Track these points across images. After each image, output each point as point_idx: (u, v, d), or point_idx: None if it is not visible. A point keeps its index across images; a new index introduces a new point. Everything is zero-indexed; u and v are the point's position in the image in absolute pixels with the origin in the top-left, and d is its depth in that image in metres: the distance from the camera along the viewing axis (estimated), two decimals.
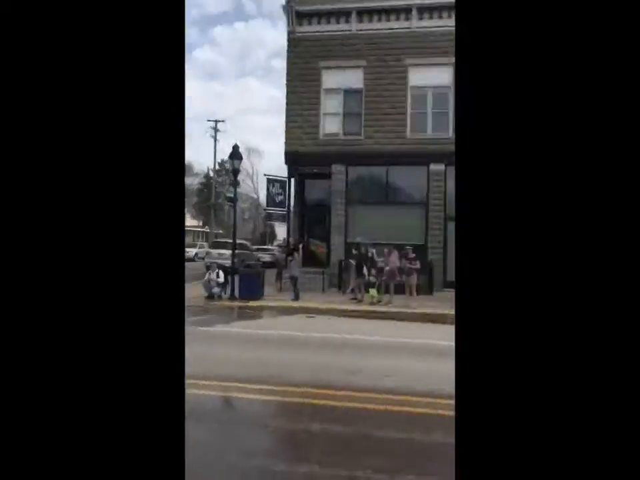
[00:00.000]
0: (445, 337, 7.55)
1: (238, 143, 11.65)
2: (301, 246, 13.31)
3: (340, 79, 13.51)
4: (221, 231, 40.35)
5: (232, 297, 10.72)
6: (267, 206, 15.60)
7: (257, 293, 10.78)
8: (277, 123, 75.04)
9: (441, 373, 5.04)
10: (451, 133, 12.60)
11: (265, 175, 15.66)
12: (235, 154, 11.32)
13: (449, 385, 4.74)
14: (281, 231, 31.16)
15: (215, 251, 17.69)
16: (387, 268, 10.53)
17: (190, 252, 26.90)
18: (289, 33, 13.62)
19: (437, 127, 13.02)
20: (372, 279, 10.97)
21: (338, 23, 13.46)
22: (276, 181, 14.79)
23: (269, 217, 17.43)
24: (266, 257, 21.30)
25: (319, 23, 13.58)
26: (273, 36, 73.91)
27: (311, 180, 14.15)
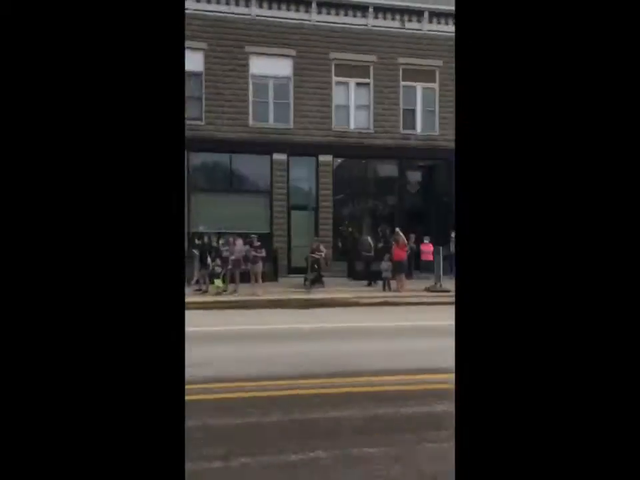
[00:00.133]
0: (288, 320, 7.88)
1: None
2: None
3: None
4: None
5: None
6: None
7: None
8: None
9: (278, 354, 5.22)
10: (292, 124, 13.03)
11: None
12: None
13: (285, 366, 4.89)
14: None
15: None
16: (232, 257, 10.46)
17: None
18: None
19: (279, 117, 13.28)
20: (217, 268, 10.78)
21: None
22: None
23: None
24: None
25: None
26: None
27: None
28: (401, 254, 11.15)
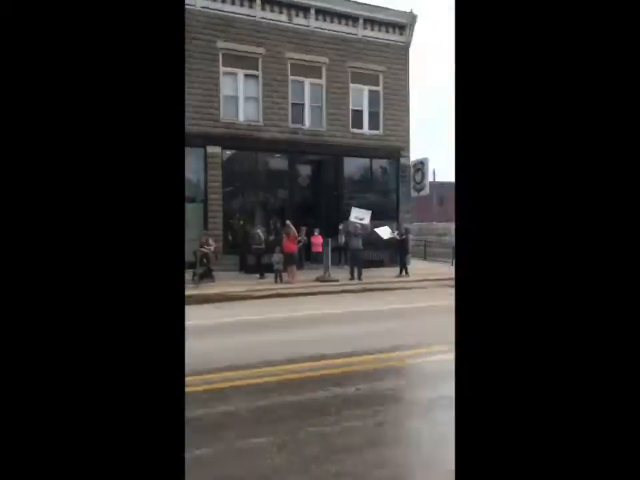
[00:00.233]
0: None
1: None
2: None
3: None
4: None
5: None
6: None
7: None
8: None
9: None
10: None
11: None
12: None
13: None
14: None
15: None
16: None
17: None
18: None
19: None
20: None
21: None
22: None
23: None
24: None
25: None
26: None
27: None
28: (292, 246, 11.35)
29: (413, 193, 16.29)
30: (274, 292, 10.14)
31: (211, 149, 13.10)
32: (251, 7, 13.43)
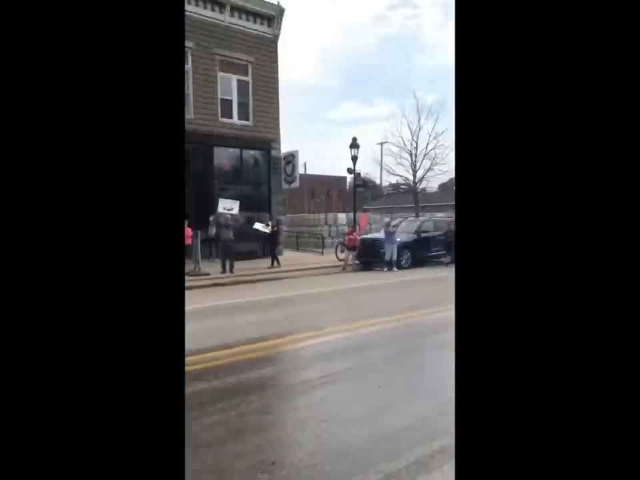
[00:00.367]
0: None
1: None
2: None
3: None
4: None
5: None
6: None
7: None
8: None
9: None
10: None
11: None
12: None
13: None
14: None
15: None
16: None
17: None
18: None
19: None
20: None
21: None
22: None
23: None
24: None
25: None
26: None
27: None
28: None
29: (284, 185, 16.54)
30: None
31: None
32: None
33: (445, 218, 16.05)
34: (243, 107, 14.96)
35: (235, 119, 14.77)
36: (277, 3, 15.27)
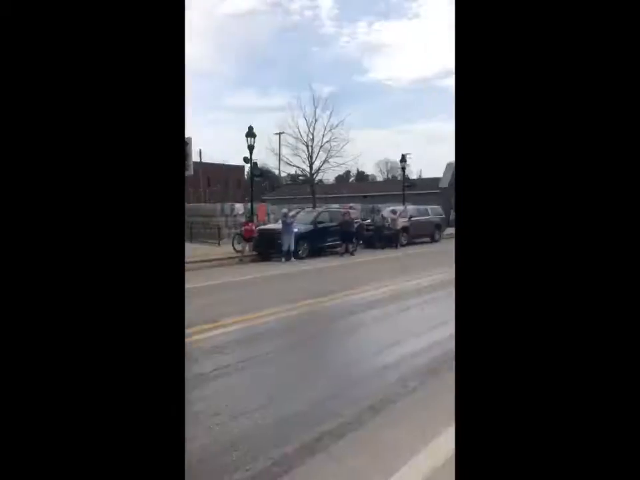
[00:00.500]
0: None
1: None
2: None
3: None
4: None
5: None
6: None
7: None
8: None
9: None
10: None
11: None
12: None
13: None
14: None
15: None
16: None
17: None
18: None
19: None
20: None
21: None
22: None
23: None
24: None
25: None
26: None
27: None
28: None
29: None
30: None
31: None
32: None
33: (340, 209, 16.66)
34: None
35: None
36: None
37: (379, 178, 60.03)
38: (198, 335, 5.13)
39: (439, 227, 19.36)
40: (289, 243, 12.87)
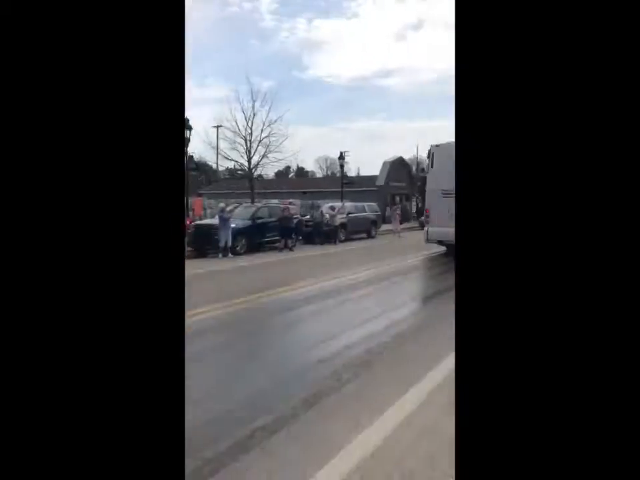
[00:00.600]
0: None
1: None
2: None
3: None
4: None
5: None
6: None
7: None
8: None
9: None
10: None
11: None
12: None
13: None
14: None
15: None
16: None
17: None
18: None
19: None
20: None
21: None
22: None
23: None
24: None
25: None
26: None
27: None
28: None
29: None
30: None
31: None
32: None
33: (279, 205, 16.60)
34: None
35: None
36: None
37: (319, 174, 60.50)
38: None
39: (375, 223, 19.84)
40: (226, 238, 12.65)
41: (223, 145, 26.94)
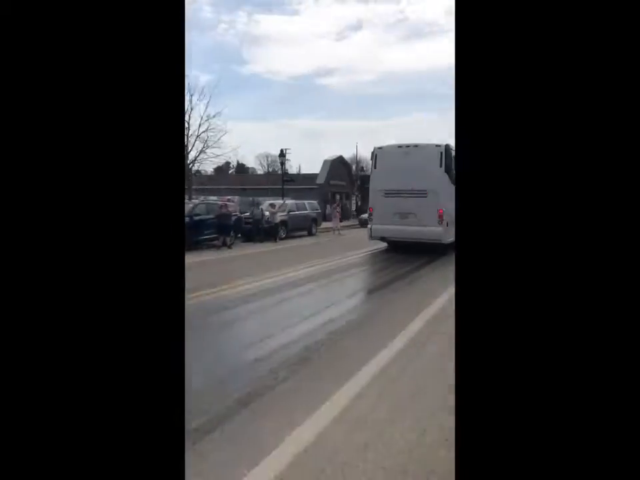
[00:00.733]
0: None
1: None
2: None
3: None
4: None
5: None
6: None
7: None
8: None
9: None
10: None
11: None
12: None
13: None
14: None
15: None
16: None
17: None
18: None
19: None
20: None
21: None
22: None
23: None
24: None
25: None
26: None
27: None
28: None
29: None
30: None
31: None
32: None
33: (218, 201, 16.27)
34: None
35: None
36: None
37: (260, 171, 59.96)
38: None
39: (315, 221, 19.99)
40: None
41: None
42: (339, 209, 22.49)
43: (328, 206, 27.97)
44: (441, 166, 11.67)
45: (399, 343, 4.50)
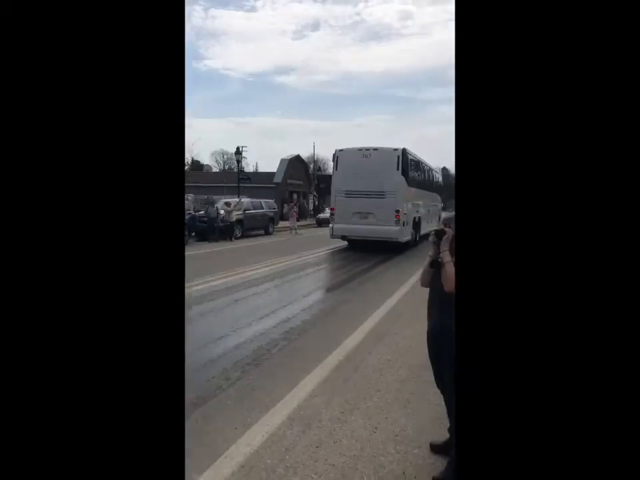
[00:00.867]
0: None
1: None
2: None
3: None
4: None
5: None
6: None
7: None
8: None
9: None
10: None
11: None
12: None
13: None
14: None
15: None
16: None
17: None
18: None
19: None
20: None
21: None
22: None
23: None
24: None
25: None
26: None
27: None
28: None
29: None
30: None
31: None
32: None
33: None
34: None
35: None
36: None
37: (215, 169, 58.91)
38: None
39: (272, 220, 19.89)
40: None
41: None
42: (296, 208, 22.48)
43: (285, 205, 27.89)
44: (397, 169, 12.10)
45: (351, 341, 4.56)
